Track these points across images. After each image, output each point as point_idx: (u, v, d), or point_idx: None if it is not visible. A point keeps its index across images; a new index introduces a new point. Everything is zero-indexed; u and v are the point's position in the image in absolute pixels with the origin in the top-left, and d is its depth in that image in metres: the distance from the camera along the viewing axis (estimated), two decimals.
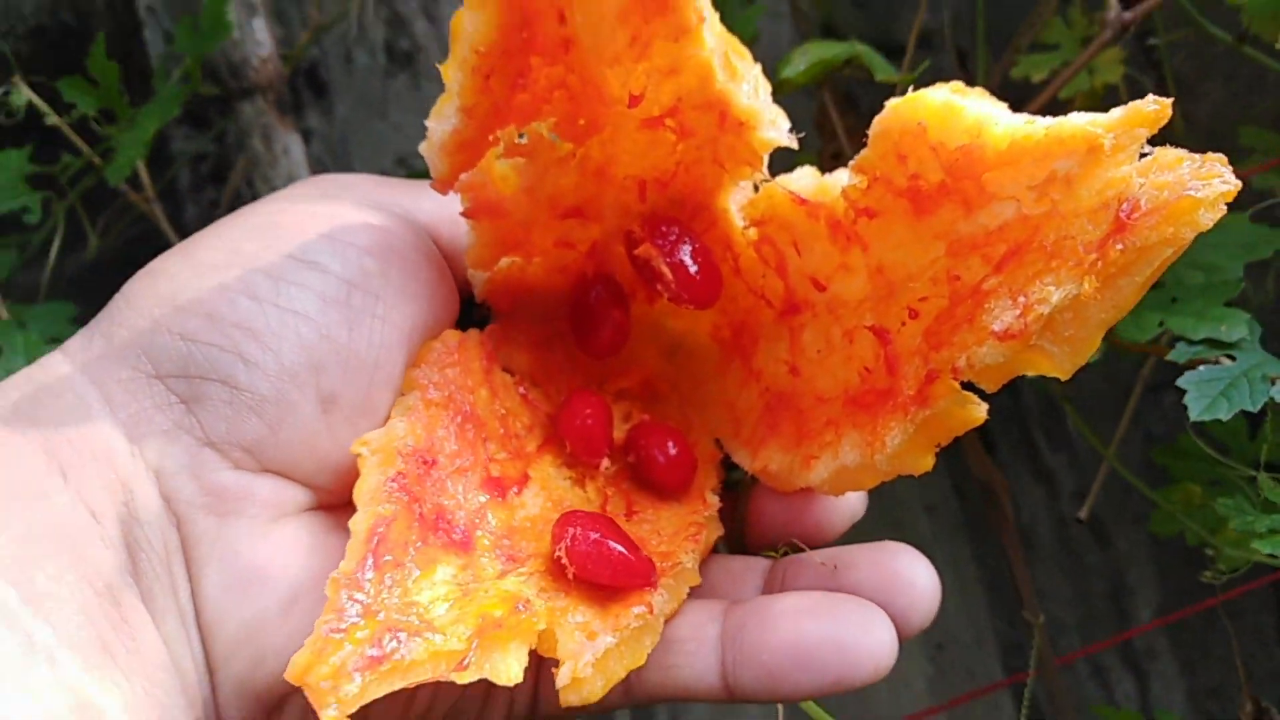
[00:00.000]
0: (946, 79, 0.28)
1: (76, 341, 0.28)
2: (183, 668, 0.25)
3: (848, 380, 0.31)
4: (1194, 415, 0.33)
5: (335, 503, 0.29)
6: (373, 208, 0.30)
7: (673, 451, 0.33)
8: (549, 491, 0.32)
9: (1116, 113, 0.25)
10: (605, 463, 0.33)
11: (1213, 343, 0.34)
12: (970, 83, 0.27)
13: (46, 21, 0.77)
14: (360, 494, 0.27)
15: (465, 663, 0.24)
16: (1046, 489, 0.90)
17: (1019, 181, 0.26)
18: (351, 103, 0.85)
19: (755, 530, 0.34)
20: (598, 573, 0.28)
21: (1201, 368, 0.33)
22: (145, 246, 0.77)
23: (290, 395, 0.27)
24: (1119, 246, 0.23)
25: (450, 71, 0.27)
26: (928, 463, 0.28)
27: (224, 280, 0.27)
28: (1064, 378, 0.25)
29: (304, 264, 0.27)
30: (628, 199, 0.32)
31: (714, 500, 0.33)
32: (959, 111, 0.27)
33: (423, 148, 0.29)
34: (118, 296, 0.28)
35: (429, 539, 0.27)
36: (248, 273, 0.27)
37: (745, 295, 0.34)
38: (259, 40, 0.53)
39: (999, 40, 0.61)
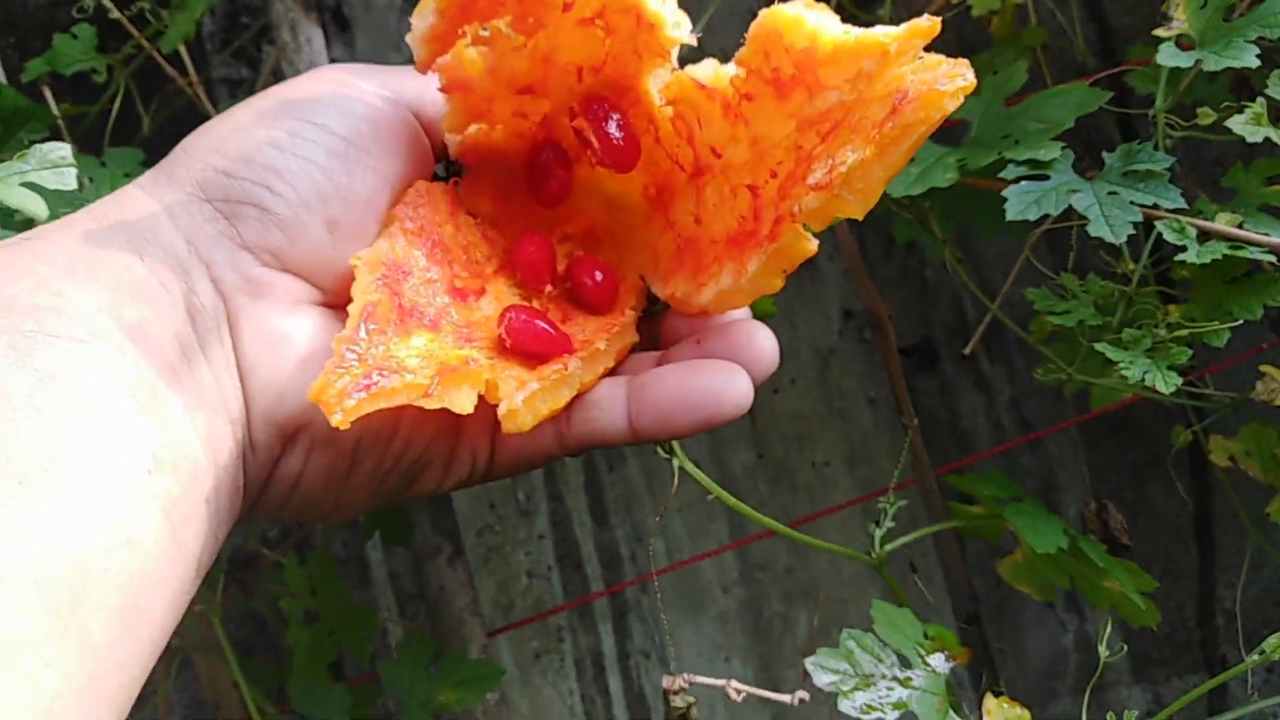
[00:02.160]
0: None
1: (146, 177, 0.38)
2: (226, 396, 0.35)
3: (731, 226, 0.40)
4: (1011, 215, 0.42)
5: (336, 303, 0.38)
6: (369, 88, 0.40)
7: (599, 277, 0.43)
8: (501, 301, 0.41)
9: (903, 27, 0.34)
10: (548, 288, 0.42)
11: (1033, 163, 0.44)
12: None
13: None
14: (355, 290, 0.37)
15: (430, 393, 0.34)
16: (985, 397, 0.99)
17: (839, 76, 0.36)
18: (370, 37, 0.94)
19: (666, 342, 0.44)
20: (527, 343, 0.39)
21: (1023, 182, 0.43)
22: (190, 127, 0.87)
23: (304, 218, 0.37)
24: (890, 124, 0.33)
25: None
26: (778, 284, 0.38)
27: (256, 136, 0.37)
28: (858, 217, 0.35)
29: (314, 125, 0.38)
30: (569, 81, 0.41)
31: (630, 314, 0.43)
32: (802, 22, 0.37)
33: (408, 38, 0.38)
34: (177, 148, 0.39)
35: (405, 320, 0.37)
36: (272, 131, 0.37)
37: (665, 160, 0.43)
38: None
39: None
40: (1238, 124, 0.43)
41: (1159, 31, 0.45)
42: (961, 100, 0.32)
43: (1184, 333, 0.41)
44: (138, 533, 0.30)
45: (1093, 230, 0.42)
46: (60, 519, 0.28)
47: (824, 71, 0.37)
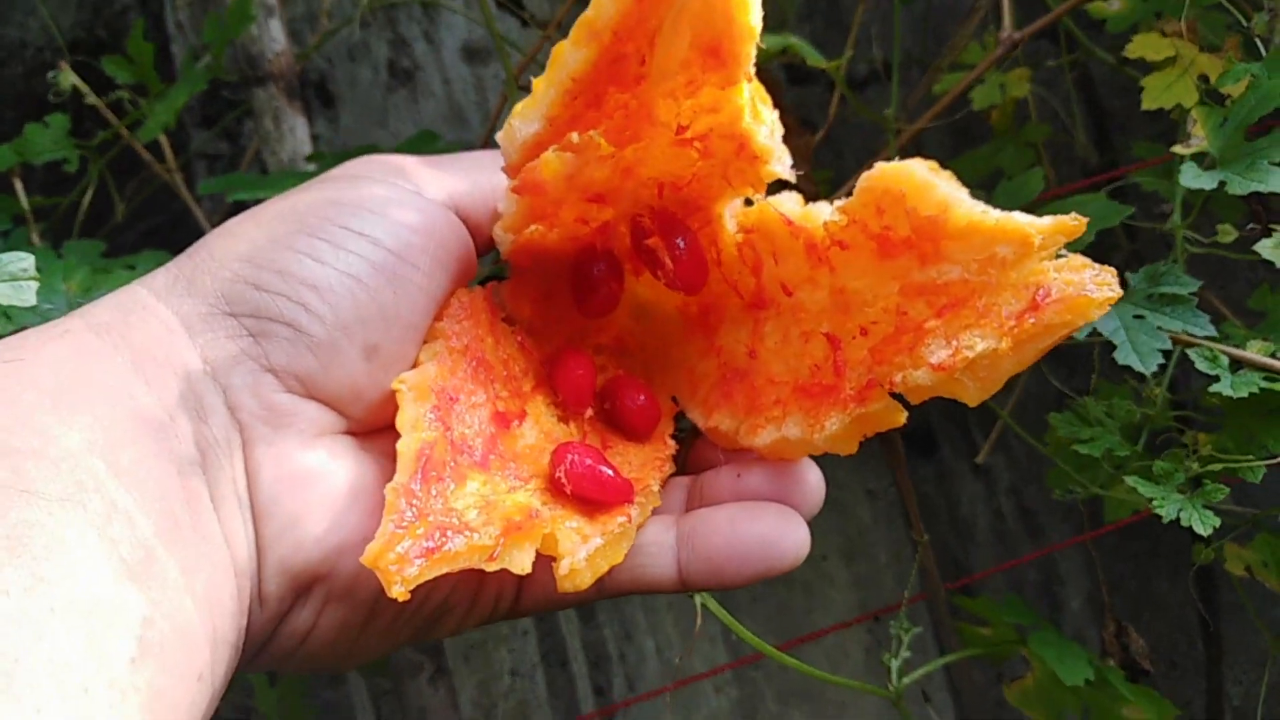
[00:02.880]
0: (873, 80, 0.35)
1: (160, 279, 0.33)
2: (235, 545, 0.31)
3: (799, 371, 0.38)
4: None
5: (362, 431, 0.35)
6: (414, 190, 0.36)
7: (642, 401, 0.40)
8: (541, 426, 0.39)
9: (1048, 220, 0.33)
10: (589, 411, 0.40)
11: None
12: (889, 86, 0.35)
13: (82, 36, 0.85)
14: (403, 422, 0.33)
15: (494, 555, 0.31)
16: (984, 484, 0.97)
17: (967, 254, 0.34)
18: (355, 113, 0.93)
19: (695, 465, 0.40)
20: (589, 489, 0.35)
21: None
22: (165, 210, 0.84)
23: (341, 342, 0.32)
24: (1031, 320, 0.31)
25: (544, 88, 0.34)
26: (853, 447, 0.35)
27: (293, 245, 0.33)
28: (972, 405, 0.33)
29: (359, 235, 0.33)
30: (645, 194, 0.39)
31: (672, 444, 0.40)
32: (933, 189, 0.34)
33: (500, 137, 0.35)
34: (199, 247, 0.34)
35: (458, 459, 0.34)
36: (313, 240, 0.33)
37: (719, 284, 0.41)
38: (274, 37, 0.61)
39: (928, 60, 0.69)
40: (1266, 249, 0.41)
41: (1178, 149, 0.44)
42: (1107, 309, 0.31)
43: (1217, 467, 0.39)
44: None
45: (1120, 358, 0.40)
46: None
47: (948, 244, 0.34)
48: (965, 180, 0.34)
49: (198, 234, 0.74)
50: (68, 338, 0.30)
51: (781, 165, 0.37)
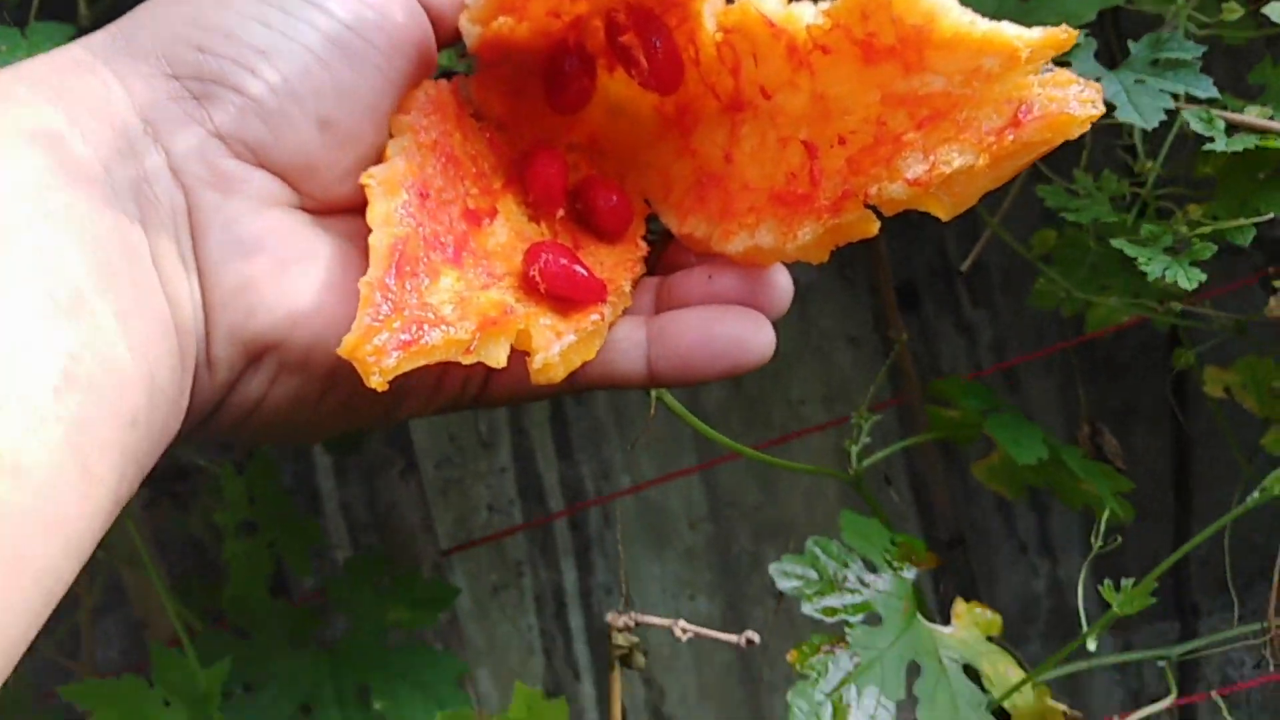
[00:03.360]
0: None
1: (97, 38, 0.31)
2: (178, 303, 0.30)
3: (774, 178, 0.36)
4: None
5: (315, 209, 0.33)
6: None
7: (614, 202, 0.39)
8: (512, 224, 0.37)
9: (1037, 32, 0.31)
10: (560, 211, 0.38)
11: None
12: None
13: None
14: (374, 217, 0.32)
15: (470, 349, 0.31)
16: (966, 340, 0.97)
17: (951, 65, 0.32)
18: None
19: (666, 267, 0.39)
20: (563, 287, 0.35)
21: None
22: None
23: (292, 111, 0.31)
24: (1010, 137, 0.30)
25: None
26: (824, 256, 0.35)
27: (240, 9, 0.31)
28: (944, 219, 0.32)
29: (313, 5, 0.32)
30: None
31: (643, 245, 0.39)
32: None
33: None
34: (140, 8, 0.32)
35: (431, 255, 0.33)
36: (262, 6, 0.31)
37: (696, 84, 0.39)
38: None
39: None
40: (1276, 10, 0.40)
41: None
42: (1088, 128, 0.30)
43: (1206, 229, 0.38)
44: (27, 461, 0.25)
45: (1120, 116, 0.38)
46: None
47: (933, 55, 0.33)
48: None
49: None
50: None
51: None
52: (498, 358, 0.31)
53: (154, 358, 0.29)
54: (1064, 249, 0.53)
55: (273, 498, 0.54)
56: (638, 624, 0.57)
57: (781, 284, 0.37)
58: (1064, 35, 0.30)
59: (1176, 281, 0.37)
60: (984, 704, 0.48)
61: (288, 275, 0.31)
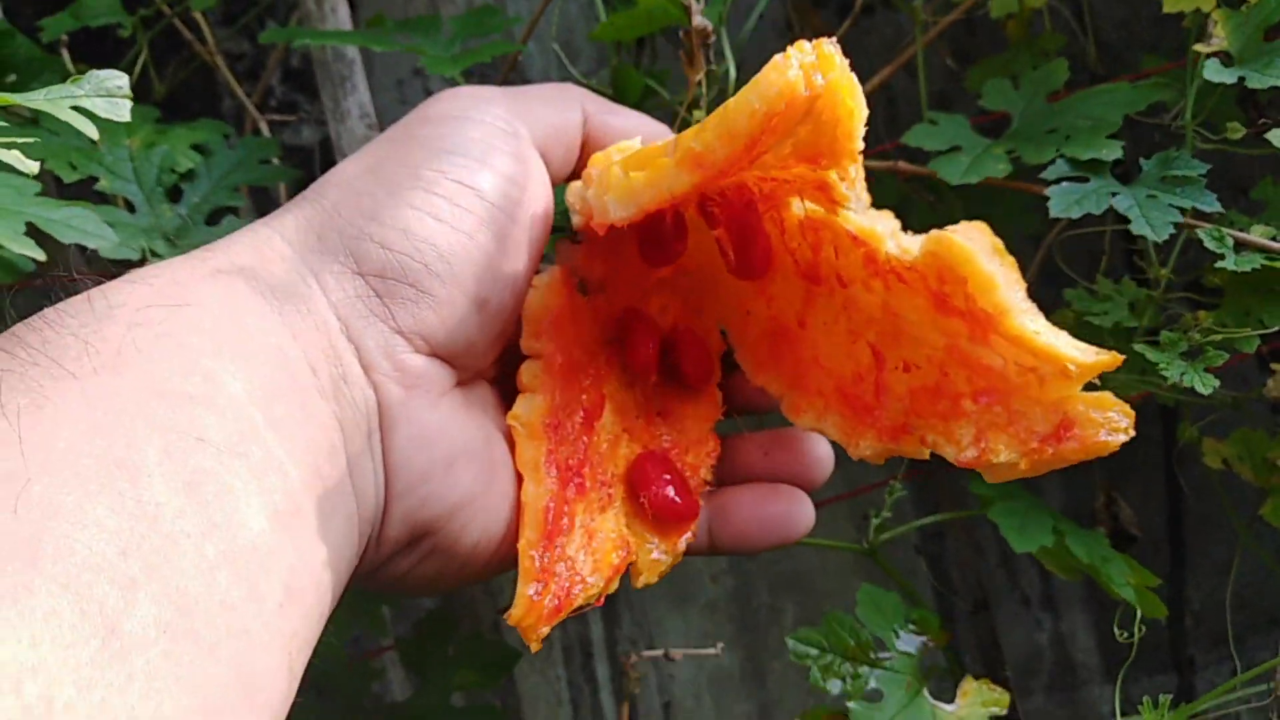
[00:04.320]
0: None
1: (289, 226, 0.35)
2: (364, 496, 0.33)
3: (843, 369, 0.41)
4: (1054, 212, 0.44)
5: (464, 380, 0.38)
6: (509, 130, 0.38)
7: (700, 359, 0.45)
8: (614, 402, 0.43)
9: (1090, 355, 0.35)
10: (653, 377, 0.44)
11: (1093, 163, 0.45)
12: None
13: None
14: (524, 464, 0.38)
15: (601, 598, 0.39)
16: None
17: (1011, 354, 0.37)
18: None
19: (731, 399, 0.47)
20: (664, 511, 0.41)
21: (1064, 183, 0.44)
22: (200, 95, 0.85)
23: (458, 298, 0.35)
24: (1050, 450, 0.35)
25: (642, 188, 0.36)
26: (880, 462, 0.41)
27: (412, 202, 0.34)
28: (988, 482, 0.38)
29: (469, 189, 0.35)
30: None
31: (720, 401, 0.45)
32: (994, 289, 0.36)
33: (581, 199, 0.38)
34: (319, 193, 0.36)
35: (568, 496, 0.39)
36: (430, 196, 0.35)
37: (779, 247, 0.42)
38: None
39: None
40: (1277, 137, 0.45)
41: (1199, 47, 0.47)
42: (1117, 447, 0.35)
43: (1217, 337, 0.43)
44: (263, 682, 0.27)
45: (1134, 229, 0.43)
46: (197, 675, 0.25)
47: (997, 339, 0.37)
48: (982, 78, 0.37)
49: (231, 117, 0.74)
50: (220, 280, 0.32)
51: (857, 204, 0.38)
52: (609, 590, 0.39)
53: (341, 557, 0.32)
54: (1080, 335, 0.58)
55: None
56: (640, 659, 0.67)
57: (824, 459, 0.44)
58: (1109, 359, 0.35)
59: (1194, 386, 0.41)
60: None
61: (454, 468, 0.35)
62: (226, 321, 0.31)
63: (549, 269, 0.41)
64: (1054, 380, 0.35)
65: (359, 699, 0.55)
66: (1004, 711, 0.51)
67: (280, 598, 0.28)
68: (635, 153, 0.37)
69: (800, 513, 0.43)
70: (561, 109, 0.40)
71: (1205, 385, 0.42)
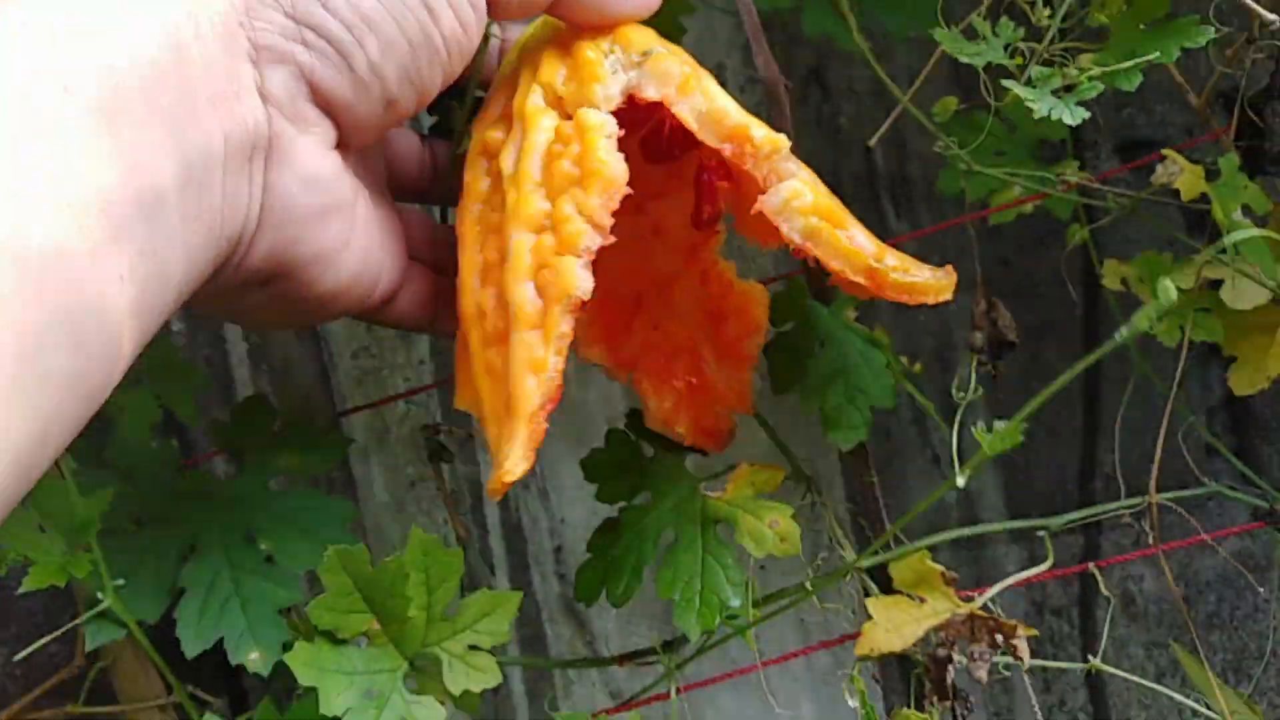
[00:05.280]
0: None
1: None
2: (234, 216, 0.34)
3: (614, 288, 0.47)
4: None
5: (344, 148, 0.38)
6: None
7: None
8: None
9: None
10: None
11: None
12: None
13: None
14: (551, 335, 0.38)
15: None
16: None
17: (725, 377, 0.52)
18: None
19: None
20: None
21: None
22: None
23: (374, 85, 0.36)
24: (703, 441, 0.51)
25: None
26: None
27: None
28: None
29: (424, 5, 0.36)
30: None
31: None
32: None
33: None
34: None
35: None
36: None
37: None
38: None
39: None
40: None
41: None
42: None
43: (1096, 72, 0.39)
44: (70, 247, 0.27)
45: None
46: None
47: (725, 362, 0.52)
48: None
49: None
50: None
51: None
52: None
53: (200, 262, 0.33)
54: (967, 132, 0.54)
55: (160, 348, 0.53)
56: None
57: None
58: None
59: (1062, 120, 0.37)
60: (730, 559, 0.50)
61: (327, 218, 0.37)
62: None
63: (611, 133, 0.40)
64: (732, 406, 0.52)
65: (189, 487, 0.51)
66: (774, 488, 0.50)
67: (124, 271, 0.29)
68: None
69: None
70: None
71: (1075, 116, 0.37)
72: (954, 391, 0.49)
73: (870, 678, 0.52)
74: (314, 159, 0.36)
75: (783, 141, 0.40)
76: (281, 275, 0.37)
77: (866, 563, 0.53)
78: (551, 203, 0.38)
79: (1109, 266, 0.64)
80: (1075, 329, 0.94)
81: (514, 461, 0.37)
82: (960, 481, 0.42)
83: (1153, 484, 0.55)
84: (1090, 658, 0.54)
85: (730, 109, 0.40)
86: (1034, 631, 0.50)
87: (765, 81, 0.53)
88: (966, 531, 0.55)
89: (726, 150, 0.40)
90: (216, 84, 0.33)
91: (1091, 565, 0.55)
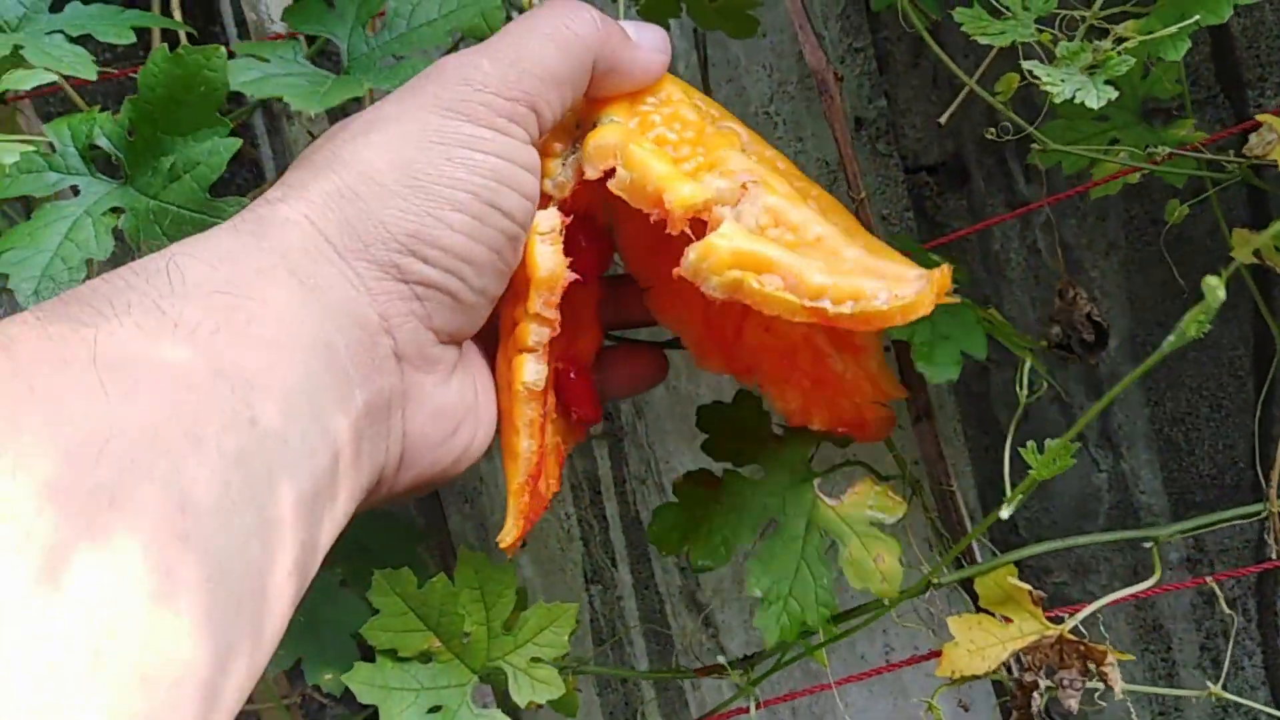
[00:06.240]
0: None
1: (333, 228, 0.38)
2: (374, 467, 0.38)
3: (710, 301, 0.44)
4: None
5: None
6: (527, 143, 0.41)
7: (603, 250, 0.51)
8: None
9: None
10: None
11: None
12: None
13: None
14: (523, 421, 0.44)
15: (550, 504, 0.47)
16: (1020, 218, 0.91)
17: (853, 369, 0.49)
18: None
19: None
20: (587, 423, 0.51)
21: None
22: None
23: (481, 303, 0.41)
24: (848, 431, 0.50)
25: None
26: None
27: (451, 224, 0.38)
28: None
29: (498, 211, 0.40)
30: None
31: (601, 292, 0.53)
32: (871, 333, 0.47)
33: None
34: (356, 194, 0.38)
35: (544, 441, 0.45)
36: (466, 219, 0.39)
37: None
38: None
39: None
40: None
41: None
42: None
43: (1133, 43, 0.34)
44: (265, 639, 0.32)
45: None
46: (228, 621, 0.30)
47: (849, 358, 0.50)
48: None
49: None
50: (278, 276, 0.36)
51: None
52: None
53: (341, 525, 0.37)
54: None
55: None
56: None
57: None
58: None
59: (1085, 103, 0.33)
60: (825, 579, 0.48)
61: (458, 431, 0.42)
62: (287, 318, 0.35)
63: (548, 230, 0.43)
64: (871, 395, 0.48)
65: None
66: (892, 520, 0.46)
67: (290, 568, 0.32)
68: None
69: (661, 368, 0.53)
70: (569, 58, 0.42)
71: (1101, 95, 0.33)
72: (1017, 388, 0.45)
73: (957, 705, 0.49)
74: (441, 392, 0.41)
75: (699, 200, 0.40)
76: (422, 486, 0.42)
77: (946, 580, 0.50)
78: (514, 307, 0.43)
79: (1238, 235, 0.57)
80: (1241, 290, 0.85)
81: (506, 529, 0.44)
82: (1005, 513, 0.39)
83: (1273, 490, 0.48)
84: (1210, 685, 0.48)
85: (652, 175, 0.41)
86: (1129, 656, 0.46)
87: (812, 69, 0.50)
88: (1057, 545, 0.50)
89: (653, 217, 0.41)
90: (360, 369, 0.37)
91: (1209, 579, 0.50)
